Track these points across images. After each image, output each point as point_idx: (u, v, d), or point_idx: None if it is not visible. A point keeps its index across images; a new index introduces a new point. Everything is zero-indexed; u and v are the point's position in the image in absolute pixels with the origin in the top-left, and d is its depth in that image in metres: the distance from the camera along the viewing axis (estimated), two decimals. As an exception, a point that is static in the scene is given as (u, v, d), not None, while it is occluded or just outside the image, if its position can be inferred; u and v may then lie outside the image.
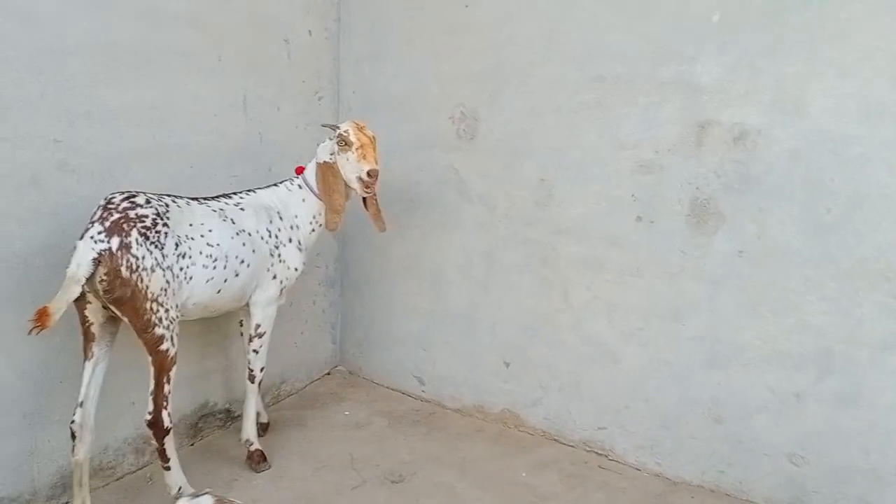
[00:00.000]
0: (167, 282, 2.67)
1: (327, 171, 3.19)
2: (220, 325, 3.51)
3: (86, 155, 2.85)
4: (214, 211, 2.99)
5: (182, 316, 2.90)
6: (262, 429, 3.59)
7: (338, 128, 3.15)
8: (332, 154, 3.18)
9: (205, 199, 3.03)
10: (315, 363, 4.20)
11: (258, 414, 3.58)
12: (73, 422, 2.64)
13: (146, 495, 2.99)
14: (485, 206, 3.63)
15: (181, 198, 2.92)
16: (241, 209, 3.10)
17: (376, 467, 3.35)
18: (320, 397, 4.05)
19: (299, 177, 3.30)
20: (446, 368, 3.91)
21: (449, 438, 3.63)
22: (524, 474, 3.32)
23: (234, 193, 3.17)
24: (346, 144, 3.12)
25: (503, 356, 3.70)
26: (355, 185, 3.17)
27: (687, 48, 3.02)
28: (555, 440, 3.60)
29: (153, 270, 2.61)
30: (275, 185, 3.29)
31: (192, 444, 3.48)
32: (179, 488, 2.89)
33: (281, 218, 3.23)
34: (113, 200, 2.63)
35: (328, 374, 4.31)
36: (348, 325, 4.27)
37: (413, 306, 3.97)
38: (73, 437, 2.64)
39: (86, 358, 2.69)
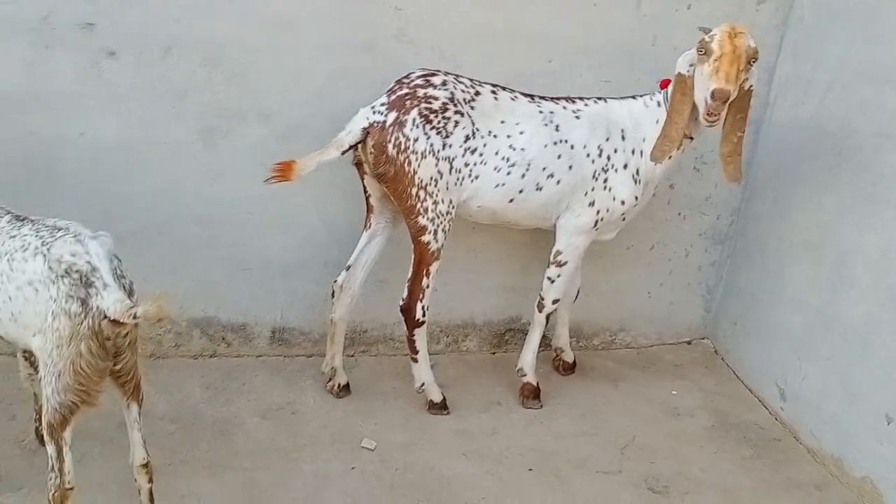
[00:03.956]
0: (439, 172, 2.48)
1: (678, 86, 2.49)
2: (550, 241, 3.16)
3: (427, 28, 2.78)
4: (541, 112, 2.63)
5: (470, 217, 2.71)
6: (565, 367, 3.21)
7: (710, 31, 2.39)
8: (691, 65, 2.45)
9: (543, 98, 2.68)
10: (672, 325, 3.51)
11: (561, 350, 3.20)
12: (335, 282, 2.75)
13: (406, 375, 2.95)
14: (931, 181, 2.37)
15: (511, 90, 2.64)
16: (577, 118, 2.66)
17: (650, 465, 2.68)
18: (660, 364, 3.39)
19: (662, 91, 2.65)
20: (816, 392, 2.81)
21: (779, 483, 2.66)
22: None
23: (582, 98, 2.72)
24: (705, 53, 2.36)
25: (888, 406, 2.47)
26: (701, 109, 2.40)
27: None
28: (921, 559, 2.32)
29: (424, 156, 2.45)
30: (633, 97, 2.72)
31: (492, 353, 3.34)
32: (422, 384, 2.80)
33: (623, 138, 2.66)
34: (410, 75, 2.53)
35: (688, 342, 3.56)
36: (730, 295, 3.40)
37: (801, 297, 2.91)
38: (333, 295, 2.76)
39: (364, 227, 2.74)
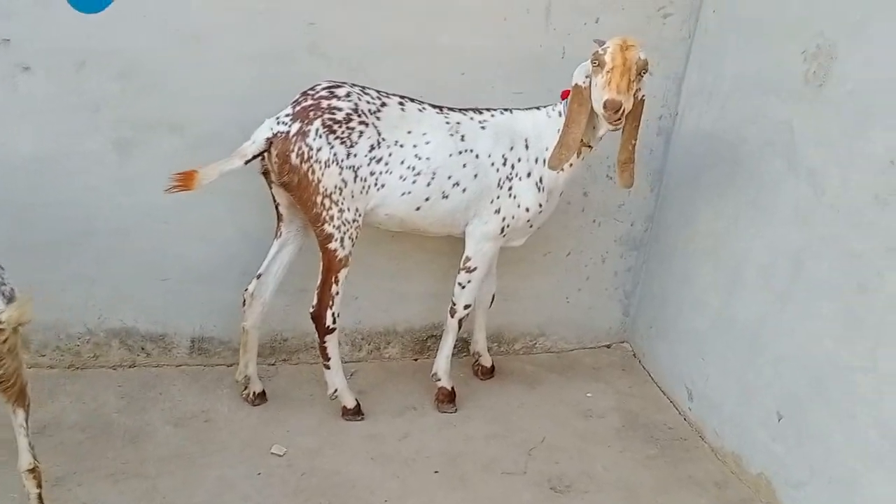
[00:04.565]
0: (343, 181, 2.54)
1: (575, 97, 2.57)
2: (467, 249, 3.25)
3: (339, 42, 2.83)
4: (448, 123, 2.70)
5: (380, 225, 2.76)
6: (483, 372, 3.28)
7: (603, 43, 2.48)
8: (587, 76, 2.54)
9: (451, 109, 2.76)
10: (592, 330, 3.59)
11: (479, 355, 3.27)
12: (245, 290, 2.79)
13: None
14: (810, 188, 2.46)
15: (420, 102, 2.70)
16: (483, 128, 2.73)
17: (555, 465, 2.75)
18: (579, 367, 3.46)
19: (563, 102, 2.73)
20: (718, 392, 2.91)
21: (679, 481, 2.74)
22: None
23: (488, 110, 2.80)
24: (598, 65, 2.44)
25: (778, 403, 2.57)
26: (602, 117, 2.49)
27: None
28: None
29: (328, 165, 2.51)
30: (537, 108, 2.80)
31: (415, 360, 3.39)
32: (335, 391, 2.85)
33: (527, 147, 2.74)
34: (315, 87, 2.58)
35: (608, 346, 3.64)
36: (646, 299, 3.49)
37: (704, 300, 3.01)
38: (244, 303, 2.80)
39: (275, 235, 2.78)
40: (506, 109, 2.81)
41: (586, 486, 2.65)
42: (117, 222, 2.86)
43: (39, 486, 2.02)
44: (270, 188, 2.68)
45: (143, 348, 3.06)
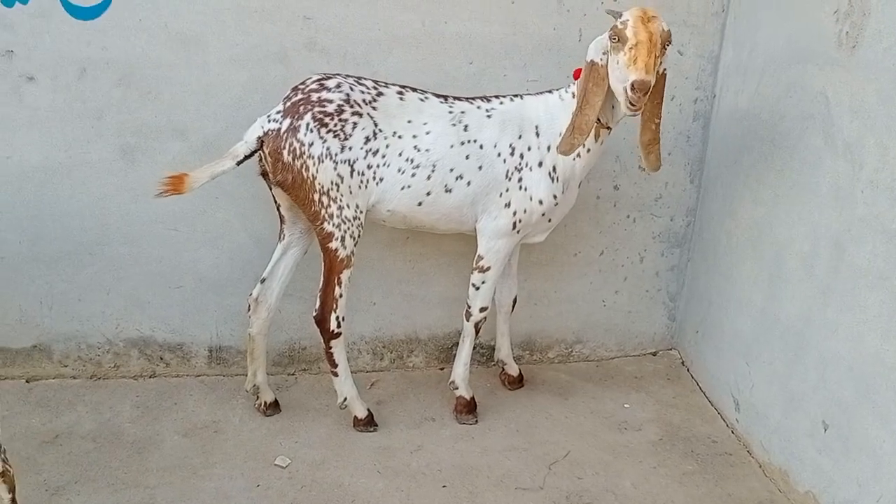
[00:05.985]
0: (340, 176, 2.42)
1: (590, 75, 2.35)
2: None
3: (338, 35, 2.74)
4: (451, 112, 2.54)
5: (385, 222, 2.63)
6: (510, 381, 3.07)
7: (620, 16, 2.26)
8: (604, 52, 2.32)
9: (457, 98, 2.60)
10: (634, 335, 3.31)
11: (504, 363, 3.06)
12: (250, 295, 2.70)
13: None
14: (848, 163, 2.15)
15: (423, 91, 2.56)
16: (488, 116, 2.56)
17: (577, 481, 2.51)
18: (619, 376, 3.19)
19: (577, 82, 2.52)
20: (763, 401, 2.59)
21: (718, 500, 2.43)
22: None
23: (497, 97, 2.63)
24: (618, 40, 2.21)
25: (824, 411, 2.24)
26: (621, 99, 2.26)
27: None
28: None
29: (321, 161, 2.40)
30: (549, 91, 2.61)
31: (441, 369, 3.22)
32: (345, 399, 2.72)
33: (538, 134, 2.55)
34: (306, 81, 2.48)
35: (653, 354, 3.35)
36: (692, 301, 3.18)
37: (747, 298, 2.70)
38: (248, 309, 2.71)
39: (279, 239, 2.69)
40: (516, 95, 2.63)
41: (605, 516, 2.41)
42: (128, 230, 2.86)
43: (12, 490, 1.98)
44: (270, 189, 2.60)
45: (161, 358, 3.03)
